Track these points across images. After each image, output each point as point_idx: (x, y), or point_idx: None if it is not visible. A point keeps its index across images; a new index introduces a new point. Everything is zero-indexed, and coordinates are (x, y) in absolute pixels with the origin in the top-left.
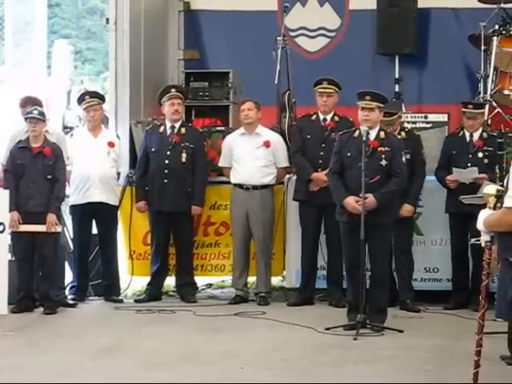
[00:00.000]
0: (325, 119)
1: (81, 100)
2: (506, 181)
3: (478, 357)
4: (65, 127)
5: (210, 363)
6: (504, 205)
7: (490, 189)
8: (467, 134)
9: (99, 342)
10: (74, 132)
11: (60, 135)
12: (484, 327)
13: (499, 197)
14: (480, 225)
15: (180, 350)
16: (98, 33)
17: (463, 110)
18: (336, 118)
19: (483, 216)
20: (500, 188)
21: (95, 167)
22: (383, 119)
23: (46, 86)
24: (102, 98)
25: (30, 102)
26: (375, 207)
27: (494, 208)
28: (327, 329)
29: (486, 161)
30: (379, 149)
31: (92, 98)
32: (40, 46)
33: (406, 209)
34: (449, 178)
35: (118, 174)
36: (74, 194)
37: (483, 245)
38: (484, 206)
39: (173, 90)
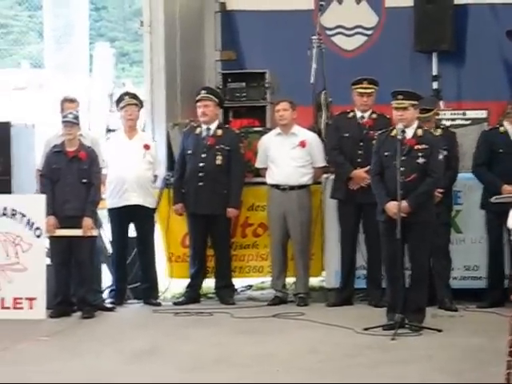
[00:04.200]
0: (362, 117)
1: (120, 100)
2: None
3: (510, 357)
4: (108, 130)
5: (245, 366)
6: None
7: None
8: (511, 131)
9: (135, 346)
10: (110, 135)
11: (94, 138)
12: None
13: None
14: (510, 223)
15: (216, 353)
16: None
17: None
18: (374, 116)
19: None
20: None
21: (131, 170)
22: (419, 116)
23: (87, 88)
24: (140, 102)
25: (67, 101)
26: (410, 211)
27: None
28: (365, 329)
29: None
30: (416, 147)
31: (131, 99)
32: (81, 49)
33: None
34: (501, 196)
35: (155, 176)
36: (111, 198)
37: None
38: None
39: (203, 91)
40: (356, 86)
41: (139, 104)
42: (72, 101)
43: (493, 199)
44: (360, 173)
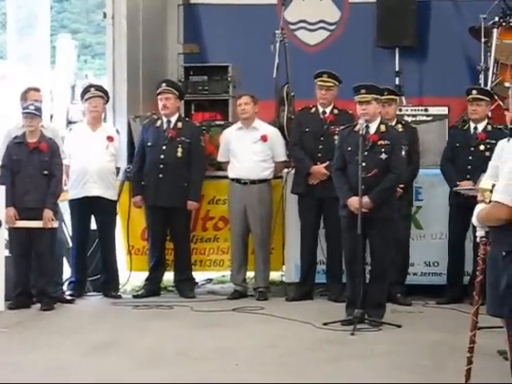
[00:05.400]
0: (324, 112)
1: (85, 91)
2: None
3: (470, 353)
4: (69, 122)
5: (205, 359)
6: (492, 199)
7: (485, 184)
8: (472, 127)
9: (94, 339)
10: (73, 126)
11: (55, 130)
12: (479, 323)
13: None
14: (474, 220)
15: (175, 347)
16: None
17: (468, 97)
18: (335, 111)
19: (477, 211)
20: (495, 183)
21: (93, 161)
22: (381, 98)
23: (49, 80)
24: (106, 94)
25: (31, 89)
26: (373, 207)
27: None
28: (325, 324)
29: (487, 153)
30: (379, 142)
31: (97, 91)
32: (43, 40)
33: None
34: (463, 187)
35: (118, 168)
36: (72, 189)
37: (478, 240)
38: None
39: (163, 84)
40: (317, 79)
41: (105, 97)
42: (36, 89)
43: (456, 188)
44: (319, 168)
